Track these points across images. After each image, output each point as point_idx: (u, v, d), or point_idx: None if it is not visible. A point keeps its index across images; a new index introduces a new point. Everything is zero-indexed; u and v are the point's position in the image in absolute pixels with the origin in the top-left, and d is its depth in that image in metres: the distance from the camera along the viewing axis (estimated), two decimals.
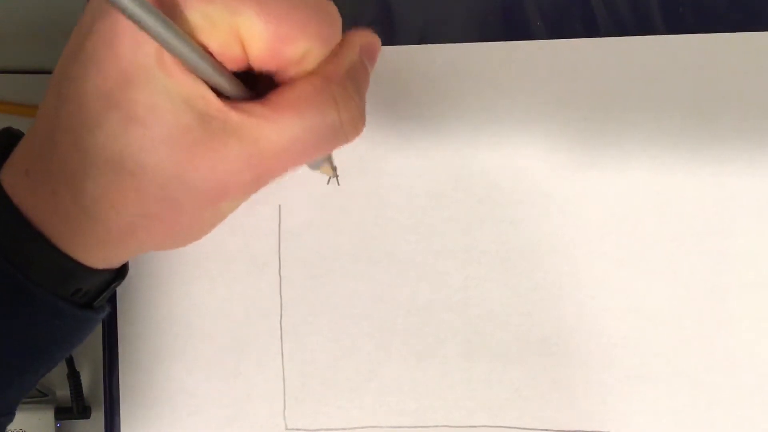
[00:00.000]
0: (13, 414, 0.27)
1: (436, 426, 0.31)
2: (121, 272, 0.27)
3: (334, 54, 0.24)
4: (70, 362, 0.45)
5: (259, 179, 0.23)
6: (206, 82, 0.21)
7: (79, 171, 0.22)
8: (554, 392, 0.31)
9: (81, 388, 0.45)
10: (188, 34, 0.21)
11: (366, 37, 0.25)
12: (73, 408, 0.45)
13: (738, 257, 0.30)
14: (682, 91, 0.30)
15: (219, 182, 0.22)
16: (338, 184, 0.32)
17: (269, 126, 0.22)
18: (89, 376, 0.47)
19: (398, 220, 0.31)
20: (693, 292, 0.31)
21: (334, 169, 0.31)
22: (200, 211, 0.23)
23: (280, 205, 0.32)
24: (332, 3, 0.23)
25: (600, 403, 0.31)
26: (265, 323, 0.32)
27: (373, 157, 0.31)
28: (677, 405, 0.31)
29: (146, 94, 0.21)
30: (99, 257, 0.24)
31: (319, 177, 0.32)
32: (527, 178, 0.31)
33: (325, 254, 0.32)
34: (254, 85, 0.24)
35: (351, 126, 0.24)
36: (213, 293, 0.32)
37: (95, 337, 0.32)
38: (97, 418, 0.46)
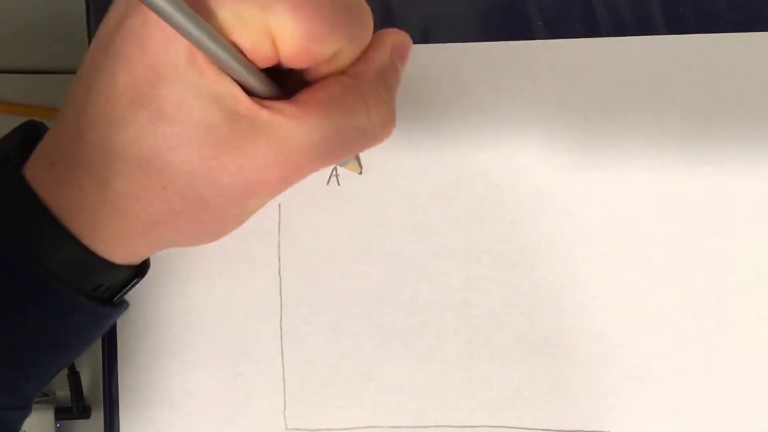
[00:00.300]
0: (30, 408, 0.27)
1: (436, 426, 0.31)
2: (142, 269, 0.26)
3: (365, 54, 0.24)
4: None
5: (287, 178, 0.23)
6: (236, 81, 0.21)
7: (107, 167, 0.22)
8: (554, 392, 0.31)
9: (81, 388, 0.45)
10: (219, 33, 0.20)
11: (397, 36, 0.25)
12: (73, 408, 0.45)
13: (738, 257, 0.30)
14: (682, 91, 0.30)
15: (247, 181, 0.22)
16: (339, 183, 0.32)
17: (298, 125, 0.22)
18: (89, 376, 0.47)
19: (398, 220, 0.31)
20: (693, 292, 0.31)
21: (361, 165, 0.31)
22: (226, 209, 0.23)
23: (280, 205, 0.32)
24: (364, 2, 0.23)
25: (600, 403, 0.31)
26: (265, 323, 0.32)
27: (373, 157, 0.31)
28: (677, 405, 0.31)
29: (175, 92, 0.21)
30: (121, 252, 0.24)
31: (319, 177, 0.32)
32: (527, 178, 0.31)
33: (325, 254, 0.32)
34: (284, 82, 0.24)
35: (381, 127, 0.24)
36: (213, 293, 0.32)
37: None
38: (97, 418, 0.46)
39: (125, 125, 0.21)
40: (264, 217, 0.32)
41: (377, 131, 0.24)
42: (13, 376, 0.25)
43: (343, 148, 0.24)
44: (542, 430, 0.31)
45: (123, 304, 0.27)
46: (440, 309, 0.31)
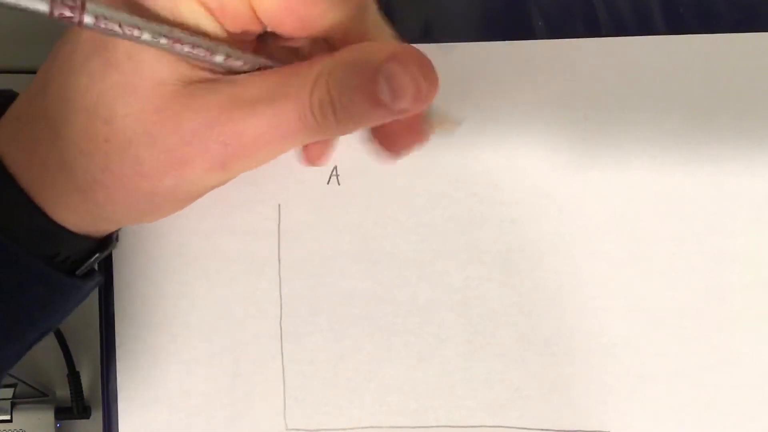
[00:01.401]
0: (0, 384, 0.26)
1: (437, 426, 0.31)
2: (104, 243, 0.26)
3: (360, 45, 0.21)
4: (70, 362, 0.45)
5: (225, 153, 0.21)
6: (217, 71, 0.21)
7: (61, 115, 0.22)
8: (554, 392, 0.31)
9: (81, 388, 0.45)
10: (178, 32, 0.20)
11: (411, 56, 0.21)
12: (73, 408, 0.45)
13: (738, 257, 0.30)
14: (682, 91, 0.30)
15: (182, 144, 0.21)
16: (339, 183, 0.32)
17: (249, 87, 0.21)
18: (89, 376, 0.47)
19: (398, 220, 0.31)
20: (693, 291, 0.31)
21: (454, 122, 0.26)
22: (161, 178, 0.22)
23: (279, 205, 0.32)
24: None
25: (600, 403, 0.31)
26: (265, 323, 0.32)
27: (373, 157, 0.31)
28: (677, 405, 0.31)
29: (129, 42, 0.20)
30: (72, 217, 0.24)
31: (319, 177, 0.32)
32: (527, 178, 0.31)
33: (325, 254, 0.32)
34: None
35: (320, 117, 0.21)
36: (212, 293, 0.32)
37: (95, 337, 0.32)
38: (97, 418, 0.46)
39: (81, 70, 0.21)
40: (264, 217, 0.32)
41: (322, 113, 0.21)
42: None
43: (293, 126, 0.21)
44: (542, 429, 0.31)
45: (91, 277, 0.26)
46: (440, 309, 0.31)
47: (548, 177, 0.31)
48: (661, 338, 0.31)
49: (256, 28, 0.21)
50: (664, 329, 0.31)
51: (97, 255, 0.26)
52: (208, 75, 0.21)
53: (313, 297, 0.32)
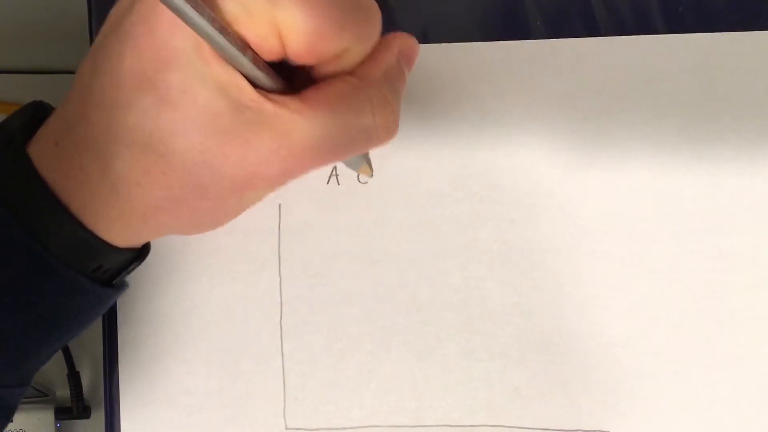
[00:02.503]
0: (29, 385, 0.27)
1: (436, 425, 0.31)
2: (142, 253, 0.27)
3: (373, 55, 0.24)
4: (70, 362, 0.45)
5: (286, 172, 0.23)
6: (242, 72, 0.21)
7: (109, 149, 0.22)
8: (554, 392, 0.31)
9: (81, 388, 0.45)
10: (226, 25, 0.20)
11: (405, 40, 0.25)
12: (73, 408, 0.45)
13: (738, 257, 0.30)
14: (682, 91, 0.30)
15: (247, 172, 0.22)
16: (339, 183, 0.32)
17: (302, 120, 0.22)
18: (89, 376, 0.47)
19: (398, 220, 0.31)
20: (693, 291, 0.31)
21: (372, 168, 0.30)
22: (225, 199, 0.23)
23: (280, 205, 0.32)
24: (373, 1, 0.23)
25: (600, 402, 0.31)
26: (265, 323, 0.32)
27: (373, 157, 0.31)
28: (677, 405, 0.31)
29: (181, 78, 0.21)
30: (121, 235, 0.24)
31: (319, 177, 0.32)
32: (527, 177, 0.31)
33: (325, 254, 0.32)
34: (292, 78, 0.24)
35: (384, 130, 0.24)
36: (213, 293, 0.32)
37: (95, 337, 0.32)
38: (97, 418, 0.46)
39: (129, 108, 0.21)
40: (264, 217, 0.32)
41: (380, 133, 0.24)
42: (13, 355, 0.25)
43: (345, 147, 0.24)
44: (542, 429, 0.31)
45: (123, 286, 0.27)
46: (440, 308, 0.31)
47: (548, 177, 0.31)
48: (661, 338, 0.31)
49: (276, 58, 0.22)
50: (664, 329, 0.31)
51: (135, 263, 0.26)
52: (251, 101, 0.22)
53: (313, 297, 0.32)
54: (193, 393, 0.32)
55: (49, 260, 0.23)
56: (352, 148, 0.24)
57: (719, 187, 0.30)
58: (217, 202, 0.23)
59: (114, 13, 0.23)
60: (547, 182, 0.31)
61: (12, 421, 0.28)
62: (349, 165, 0.29)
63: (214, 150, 0.21)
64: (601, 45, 0.31)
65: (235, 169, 0.22)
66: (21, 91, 0.48)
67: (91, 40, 0.32)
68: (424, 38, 0.31)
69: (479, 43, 0.31)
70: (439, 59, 0.31)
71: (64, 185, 0.23)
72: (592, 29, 0.31)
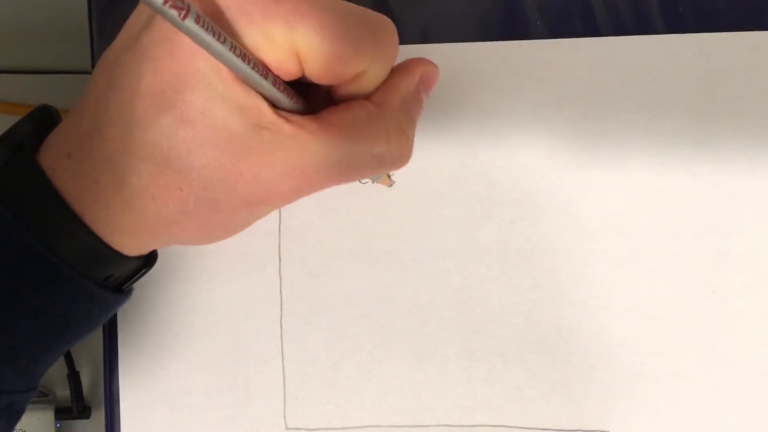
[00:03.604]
0: (36, 389, 0.27)
1: (436, 425, 0.31)
2: (150, 259, 0.27)
3: (393, 81, 0.25)
4: (70, 362, 0.45)
5: (299, 190, 0.23)
6: (261, 94, 0.22)
7: (125, 164, 0.22)
8: (554, 392, 0.31)
9: (81, 388, 0.45)
10: (246, 49, 0.21)
11: (425, 66, 0.26)
12: (73, 408, 0.45)
13: (738, 257, 0.30)
14: (682, 91, 0.30)
15: (260, 189, 0.22)
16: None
17: (318, 142, 0.22)
18: (89, 376, 0.47)
19: (398, 220, 0.32)
20: (693, 291, 0.31)
21: (391, 179, 0.31)
22: (236, 213, 0.24)
23: None
24: (391, 22, 0.23)
25: (600, 402, 0.31)
26: (265, 323, 0.32)
27: None
28: (677, 405, 0.31)
29: (201, 99, 0.21)
30: (132, 245, 0.25)
31: None
32: (527, 177, 0.31)
33: (325, 254, 0.32)
34: (310, 96, 0.24)
35: (398, 158, 0.25)
36: (213, 293, 0.32)
37: (95, 337, 0.32)
38: (97, 418, 0.46)
39: (148, 126, 0.22)
40: (264, 218, 0.32)
41: (394, 160, 0.25)
42: (24, 361, 0.25)
43: (359, 171, 0.24)
44: (542, 429, 0.31)
45: (130, 291, 0.28)
46: (440, 308, 0.31)
47: (548, 177, 0.31)
48: (661, 338, 0.31)
49: (295, 78, 0.23)
50: (664, 329, 0.31)
51: (143, 271, 0.27)
52: (269, 122, 0.22)
53: (313, 297, 0.32)
54: (193, 393, 0.32)
55: (62, 269, 0.24)
56: (365, 172, 0.25)
57: (719, 187, 0.30)
58: (229, 216, 0.24)
59: (130, 26, 0.23)
60: (547, 182, 0.31)
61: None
62: (369, 178, 0.30)
63: (230, 167, 0.22)
64: (601, 45, 0.31)
65: (249, 186, 0.22)
66: (21, 91, 0.48)
67: (92, 40, 0.32)
68: (424, 38, 0.31)
69: (479, 43, 0.31)
70: (439, 59, 0.31)
71: (77, 196, 0.23)
72: (592, 29, 0.31)
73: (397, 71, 0.25)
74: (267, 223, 0.32)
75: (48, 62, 0.49)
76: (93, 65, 0.32)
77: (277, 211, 0.32)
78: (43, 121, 0.25)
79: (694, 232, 0.31)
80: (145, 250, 0.26)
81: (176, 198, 0.23)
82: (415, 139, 0.31)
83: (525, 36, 0.31)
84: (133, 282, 0.27)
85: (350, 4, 0.23)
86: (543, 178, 0.31)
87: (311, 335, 0.32)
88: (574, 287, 0.31)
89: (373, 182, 0.31)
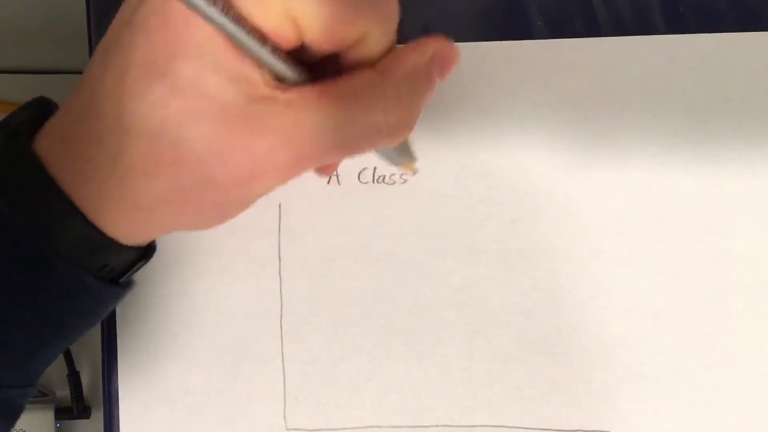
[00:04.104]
0: (35, 386, 0.27)
1: (437, 425, 0.31)
2: (148, 252, 0.26)
3: (399, 52, 0.24)
4: (70, 362, 0.45)
5: (294, 164, 0.23)
6: (260, 63, 0.21)
7: (118, 139, 0.22)
8: (554, 392, 0.31)
9: (81, 388, 0.45)
10: (241, 14, 0.20)
11: (441, 44, 0.25)
12: (73, 408, 0.45)
13: (738, 257, 0.30)
14: (682, 91, 0.30)
15: (255, 161, 0.22)
16: (339, 183, 0.32)
17: (311, 112, 0.22)
18: (89, 376, 0.47)
19: (398, 220, 0.31)
20: (693, 291, 0.31)
21: (416, 162, 0.30)
22: (231, 190, 0.23)
23: (280, 205, 0.32)
24: None
25: (600, 402, 0.31)
26: (265, 323, 0.32)
27: (373, 157, 0.31)
28: (677, 405, 0.31)
29: (193, 68, 0.21)
30: (126, 231, 0.24)
31: (319, 177, 0.32)
32: (527, 177, 0.31)
33: (325, 254, 0.32)
34: (319, 70, 0.23)
35: (395, 129, 0.24)
36: (213, 293, 0.32)
37: (95, 337, 0.32)
38: (97, 418, 0.46)
39: (140, 98, 0.21)
40: (264, 217, 0.32)
41: (390, 130, 0.24)
42: (19, 355, 0.25)
43: (355, 142, 0.23)
44: (542, 429, 0.31)
45: (129, 285, 0.27)
46: (440, 308, 0.31)
47: (548, 177, 0.31)
48: (661, 338, 0.31)
49: (294, 46, 0.22)
50: (664, 329, 0.31)
51: (141, 263, 0.26)
52: (264, 92, 0.22)
53: (313, 297, 0.32)
54: (193, 393, 0.32)
55: (54, 259, 0.23)
56: (362, 143, 0.24)
57: (719, 186, 0.30)
58: (224, 193, 0.23)
59: (124, 9, 0.23)
60: (547, 182, 0.31)
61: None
62: (389, 160, 0.28)
63: (224, 139, 0.21)
64: (601, 45, 0.31)
65: (243, 158, 0.22)
66: (21, 91, 0.48)
67: (91, 40, 0.32)
68: None
69: (479, 43, 0.31)
70: None
71: (71, 180, 0.23)
72: (592, 29, 0.31)
73: (408, 44, 0.24)
74: (267, 223, 0.32)
75: (48, 62, 0.49)
76: None
77: (277, 211, 0.32)
78: (40, 110, 0.25)
79: (694, 232, 0.31)
80: (141, 239, 0.25)
81: (169, 173, 0.22)
82: (416, 140, 0.31)
83: (525, 36, 0.31)
84: (130, 275, 0.26)
85: None
86: (543, 178, 0.31)
87: (311, 335, 0.32)
88: (574, 287, 0.31)
89: (397, 166, 0.29)
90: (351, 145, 0.23)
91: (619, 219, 0.31)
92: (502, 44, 0.31)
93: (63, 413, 0.45)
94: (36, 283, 0.24)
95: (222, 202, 0.23)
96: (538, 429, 0.31)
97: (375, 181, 0.31)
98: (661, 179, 0.31)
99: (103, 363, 0.33)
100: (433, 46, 0.24)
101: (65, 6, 0.48)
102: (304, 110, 0.22)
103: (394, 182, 0.31)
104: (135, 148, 0.22)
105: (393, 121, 0.23)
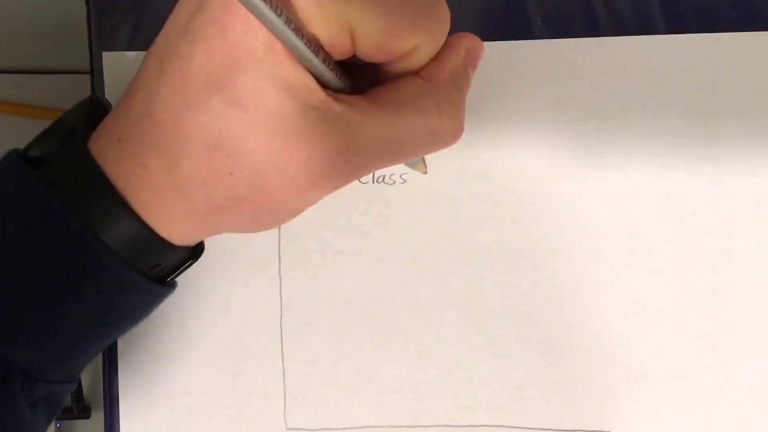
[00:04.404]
0: (75, 382, 0.27)
1: (437, 425, 0.31)
2: (197, 251, 0.27)
3: (440, 56, 0.24)
4: None
5: (351, 172, 0.23)
6: (312, 73, 0.21)
7: (175, 147, 0.22)
8: (554, 392, 0.31)
9: (81, 388, 0.45)
10: (300, 24, 0.20)
11: (470, 41, 0.25)
12: (73, 408, 0.45)
13: (738, 256, 0.30)
14: (682, 91, 0.30)
15: (312, 172, 0.22)
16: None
17: (369, 121, 0.22)
18: (89, 376, 0.47)
19: (398, 220, 0.31)
20: (693, 291, 0.31)
21: (426, 167, 0.31)
22: (287, 199, 0.23)
23: None
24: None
25: (600, 402, 0.31)
26: (265, 323, 0.32)
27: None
28: (677, 405, 0.31)
29: (251, 79, 0.21)
30: (179, 233, 0.24)
31: None
32: (527, 178, 0.31)
33: (325, 254, 0.32)
34: (358, 75, 0.24)
35: (451, 133, 0.24)
36: (213, 293, 0.32)
37: None
38: (97, 418, 0.46)
39: (198, 108, 0.21)
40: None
41: (447, 135, 0.24)
42: (64, 351, 0.25)
43: (411, 148, 0.24)
44: (542, 429, 0.31)
45: (174, 285, 0.27)
46: (440, 308, 0.31)
47: (548, 177, 0.31)
48: (661, 338, 0.31)
49: (345, 57, 0.22)
50: (664, 329, 0.31)
51: (190, 262, 0.27)
52: (319, 102, 0.22)
53: (313, 297, 0.32)
54: (193, 393, 0.32)
55: (107, 257, 0.23)
56: (418, 149, 0.24)
57: (719, 186, 0.30)
58: (280, 201, 0.23)
59: (181, 10, 0.23)
60: (547, 182, 0.31)
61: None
62: (407, 163, 0.29)
63: (281, 150, 0.21)
64: (601, 45, 0.31)
65: (300, 168, 0.22)
66: (21, 91, 0.48)
67: (91, 40, 0.32)
68: None
69: None
70: None
71: (126, 182, 0.23)
72: (592, 29, 0.31)
73: (443, 46, 0.24)
74: None
75: (48, 62, 0.49)
76: (92, 65, 0.32)
77: None
78: (94, 109, 0.25)
79: (694, 232, 0.31)
80: (192, 240, 0.25)
81: (227, 183, 0.22)
82: None
83: (525, 36, 0.31)
84: (179, 274, 0.27)
85: None
86: (543, 178, 0.31)
87: (311, 335, 0.32)
88: (574, 287, 0.31)
89: (411, 168, 0.31)
90: (408, 153, 0.24)
91: (619, 219, 0.31)
92: (502, 44, 0.31)
93: (63, 413, 0.45)
94: (88, 280, 0.24)
95: (276, 210, 0.24)
96: (538, 429, 0.31)
97: (375, 181, 0.31)
98: (661, 179, 0.31)
99: (103, 363, 0.33)
100: (464, 43, 0.25)
101: (65, 6, 0.48)
102: (359, 120, 0.22)
103: (394, 182, 0.31)
104: (193, 156, 0.22)
105: (448, 125, 0.24)
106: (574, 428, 0.31)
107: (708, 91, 0.30)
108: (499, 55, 0.31)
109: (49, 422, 0.26)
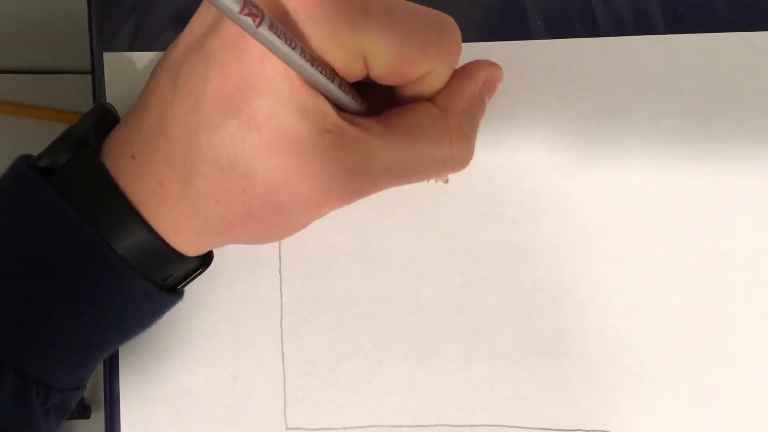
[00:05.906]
0: (85, 387, 0.28)
1: (437, 425, 0.32)
2: (206, 260, 0.27)
3: (457, 84, 0.25)
4: None
5: (361, 191, 0.24)
6: (328, 97, 0.22)
7: (191, 166, 0.22)
8: (554, 392, 0.31)
9: None
10: (315, 55, 0.21)
11: (490, 70, 0.26)
12: (73, 408, 0.45)
13: (738, 256, 0.30)
14: (682, 91, 0.30)
15: (323, 192, 0.23)
16: None
17: (382, 146, 0.23)
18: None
19: (398, 220, 0.32)
20: (693, 291, 0.31)
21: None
22: (298, 215, 0.24)
23: None
24: (454, 21, 0.24)
25: (600, 402, 0.31)
26: (265, 323, 0.32)
27: None
28: (677, 405, 0.31)
29: (268, 104, 0.21)
30: (193, 246, 0.25)
31: None
32: (527, 177, 0.31)
33: (325, 254, 0.32)
34: (372, 94, 0.24)
35: (459, 162, 0.25)
36: (213, 293, 0.32)
37: None
38: (97, 418, 0.46)
39: (215, 130, 0.22)
40: None
41: (455, 164, 0.25)
42: (77, 359, 0.26)
43: (420, 173, 0.25)
44: (542, 429, 0.31)
45: (183, 292, 0.28)
46: (440, 308, 0.31)
47: (548, 177, 0.31)
48: (661, 338, 0.31)
49: (359, 80, 0.23)
50: (664, 329, 0.31)
51: (200, 271, 0.27)
52: (333, 125, 0.22)
53: (313, 297, 0.32)
54: (194, 393, 0.32)
55: (123, 268, 0.24)
56: (426, 174, 0.25)
57: (719, 186, 0.30)
58: (291, 218, 0.24)
59: (194, 28, 0.23)
60: (547, 182, 0.31)
61: None
62: None
63: (294, 171, 0.22)
64: (601, 45, 0.31)
65: (312, 188, 0.22)
66: (21, 91, 0.48)
67: (91, 40, 0.32)
68: None
69: (479, 43, 0.31)
70: None
71: (141, 198, 0.24)
72: (592, 29, 0.31)
73: (461, 74, 0.25)
74: None
75: (48, 62, 0.49)
76: (92, 65, 0.32)
77: None
78: (102, 118, 0.26)
79: (694, 232, 0.31)
80: (204, 251, 0.26)
81: (240, 201, 0.23)
82: None
83: (525, 36, 0.31)
84: (189, 282, 0.27)
85: (414, 3, 0.23)
86: (543, 177, 0.31)
87: (311, 335, 0.32)
88: (574, 287, 0.31)
89: (429, 180, 0.31)
90: (415, 177, 0.25)
91: (619, 219, 0.31)
92: (502, 44, 0.31)
93: None
94: (102, 291, 0.24)
95: (287, 225, 0.25)
96: (538, 429, 0.31)
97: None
98: (661, 179, 0.31)
99: (103, 363, 0.33)
100: (484, 72, 0.26)
101: (65, 6, 0.48)
102: (372, 144, 0.23)
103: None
104: (207, 176, 0.22)
105: (457, 154, 0.25)
106: (574, 428, 0.31)
107: (708, 91, 0.30)
108: (499, 55, 0.31)
109: (58, 425, 0.27)
